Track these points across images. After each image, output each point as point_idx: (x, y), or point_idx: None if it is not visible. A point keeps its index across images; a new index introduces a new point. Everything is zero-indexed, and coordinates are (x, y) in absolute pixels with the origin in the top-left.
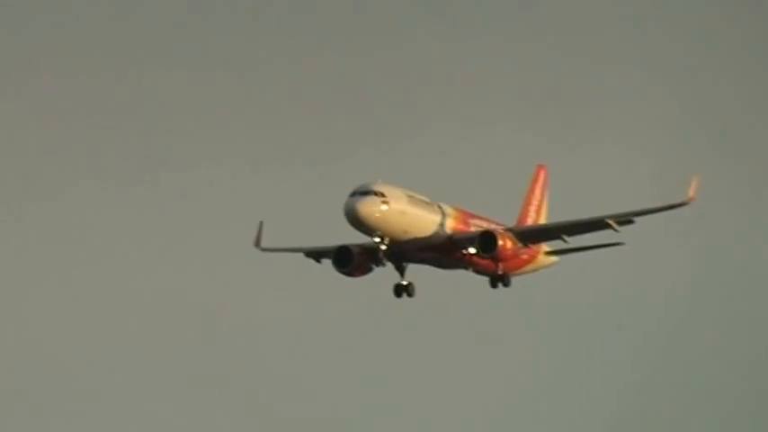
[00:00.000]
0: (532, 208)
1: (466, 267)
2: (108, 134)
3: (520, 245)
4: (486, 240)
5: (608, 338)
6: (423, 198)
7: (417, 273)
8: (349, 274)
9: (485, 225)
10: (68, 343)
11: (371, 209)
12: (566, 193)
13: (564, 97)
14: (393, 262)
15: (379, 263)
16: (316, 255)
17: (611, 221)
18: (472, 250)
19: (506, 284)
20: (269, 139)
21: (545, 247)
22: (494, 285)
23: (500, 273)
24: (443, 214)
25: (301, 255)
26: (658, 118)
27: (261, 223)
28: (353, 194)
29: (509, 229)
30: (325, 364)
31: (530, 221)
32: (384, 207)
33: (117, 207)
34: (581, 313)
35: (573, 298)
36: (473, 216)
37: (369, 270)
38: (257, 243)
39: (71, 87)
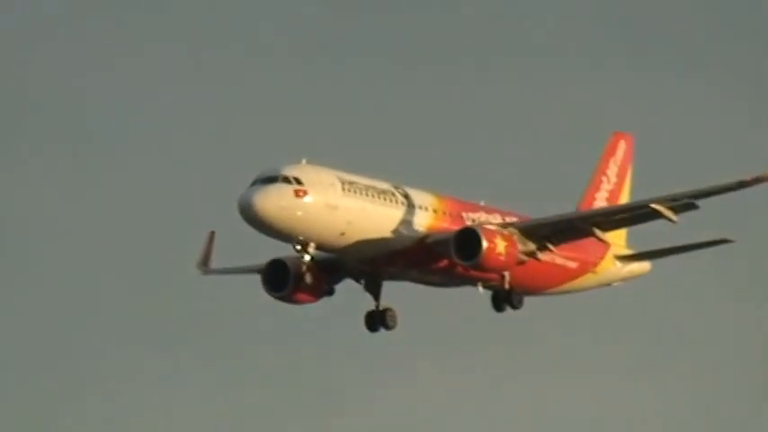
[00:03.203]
0: (601, 194)
1: (473, 283)
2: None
3: (531, 246)
4: (464, 241)
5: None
6: (372, 183)
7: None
8: (288, 298)
9: (497, 221)
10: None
11: (276, 203)
12: (660, 172)
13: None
14: (361, 281)
15: (300, 280)
16: None
17: (658, 207)
18: None
19: (515, 305)
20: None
21: (616, 248)
22: (498, 307)
23: (506, 288)
24: (411, 206)
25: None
26: None
27: (211, 234)
28: (254, 182)
29: (508, 225)
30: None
31: None
32: (303, 200)
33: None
34: (621, 352)
35: (616, 326)
36: (473, 207)
37: (323, 292)
38: (205, 262)
39: None
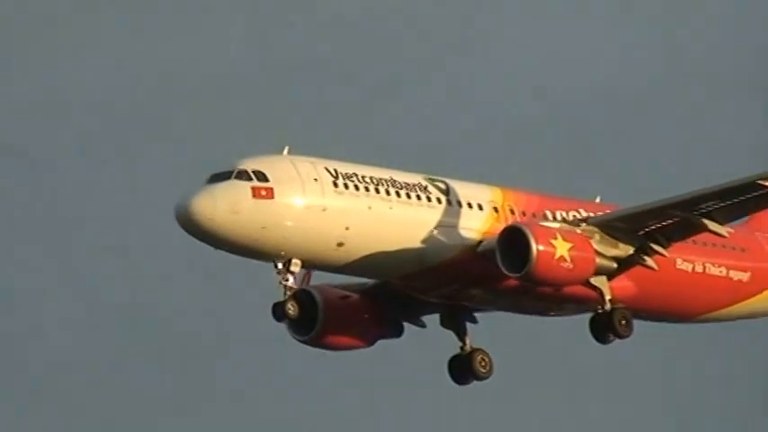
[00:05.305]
0: None
1: (584, 306)
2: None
3: (625, 249)
4: (511, 244)
5: None
6: (390, 175)
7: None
8: (317, 342)
9: None
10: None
11: (226, 207)
12: None
13: None
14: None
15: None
16: None
17: None
18: None
19: (620, 333)
20: None
21: None
22: (600, 337)
23: (606, 310)
24: (453, 204)
25: None
26: None
27: (309, 272)
28: (207, 181)
29: (581, 221)
30: None
31: None
32: (268, 201)
33: None
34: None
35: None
36: (567, 204)
37: (377, 333)
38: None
39: None
